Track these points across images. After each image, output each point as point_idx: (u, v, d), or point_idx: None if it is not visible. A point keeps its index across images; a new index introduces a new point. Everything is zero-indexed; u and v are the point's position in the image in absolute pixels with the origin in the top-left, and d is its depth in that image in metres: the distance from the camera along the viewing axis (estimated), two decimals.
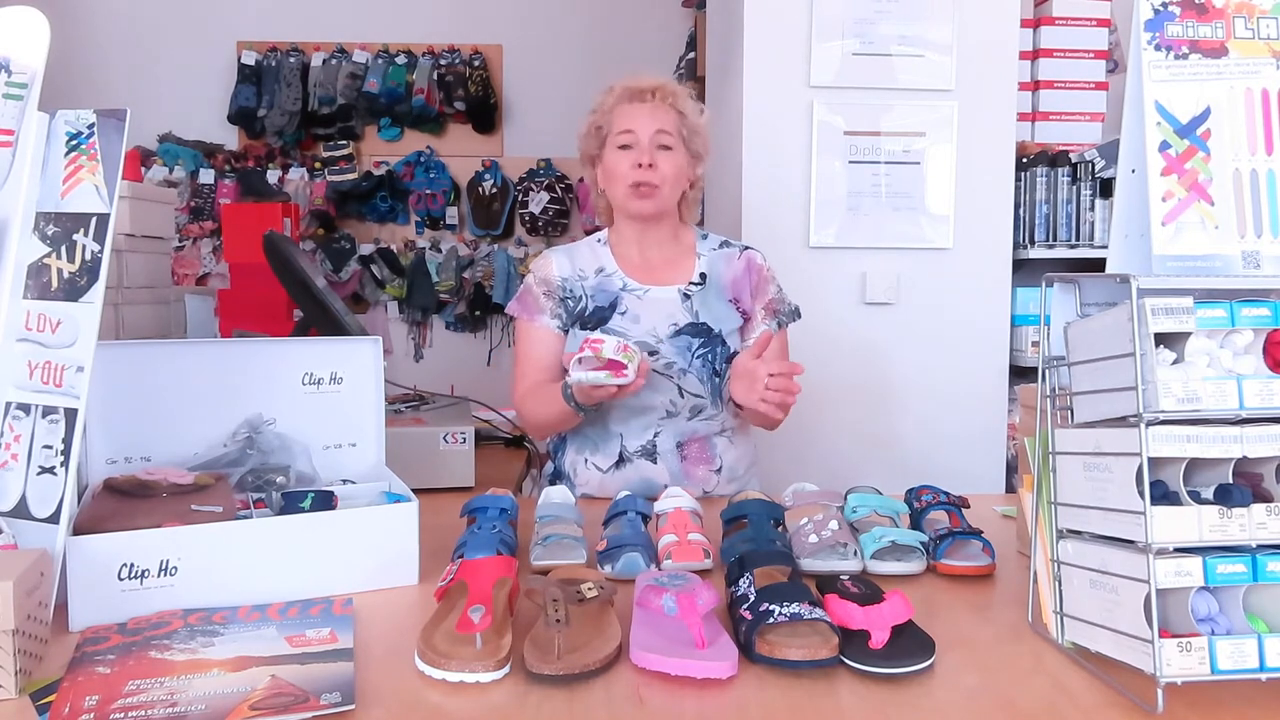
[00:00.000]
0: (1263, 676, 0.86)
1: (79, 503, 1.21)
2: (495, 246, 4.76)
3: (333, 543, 1.19)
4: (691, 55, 4.01)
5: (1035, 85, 3.02)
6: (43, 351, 1.12)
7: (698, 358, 1.76)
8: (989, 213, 2.71)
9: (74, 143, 1.15)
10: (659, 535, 1.35)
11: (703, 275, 1.83)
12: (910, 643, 0.98)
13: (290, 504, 1.24)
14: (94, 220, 1.13)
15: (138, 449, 1.34)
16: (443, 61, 4.64)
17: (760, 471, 1.93)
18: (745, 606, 1.04)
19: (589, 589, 1.05)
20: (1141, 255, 0.96)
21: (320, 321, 2.04)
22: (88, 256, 1.12)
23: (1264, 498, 0.93)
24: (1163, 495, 0.92)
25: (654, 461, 1.77)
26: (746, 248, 1.89)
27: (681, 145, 1.78)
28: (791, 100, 2.64)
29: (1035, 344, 2.44)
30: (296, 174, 4.58)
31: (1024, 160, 2.77)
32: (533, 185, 4.70)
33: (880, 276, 2.68)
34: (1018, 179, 2.74)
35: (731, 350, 1.78)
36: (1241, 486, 0.92)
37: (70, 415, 1.09)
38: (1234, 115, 0.96)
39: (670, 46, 4.48)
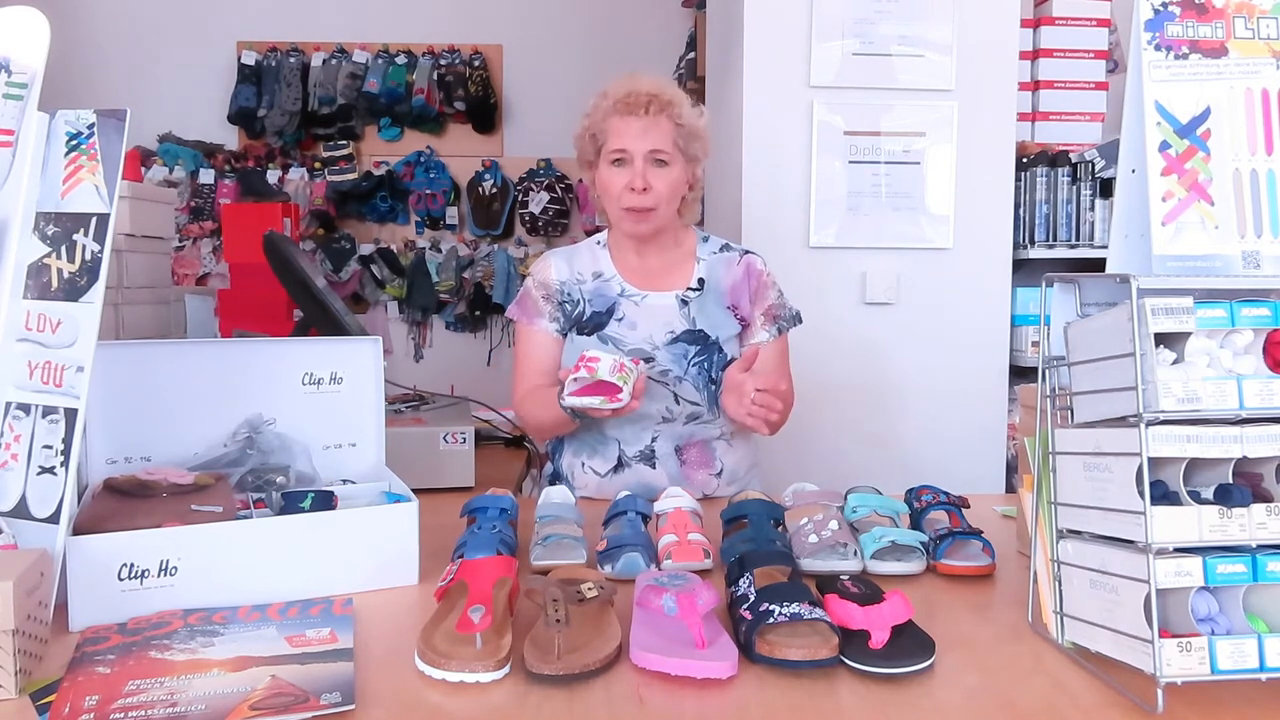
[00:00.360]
0: (1263, 676, 0.86)
1: (79, 503, 1.21)
2: (495, 246, 4.76)
3: (333, 543, 1.19)
4: (691, 55, 4.01)
5: (1035, 85, 3.02)
6: (43, 351, 1.12)
7: (694, 365, 1.75)
8: (989, 213, 2.71)
9: (74, 143, 1.15)
10: (659, 535, 1.35)
11: (701, 281, 1.81)
12: (910, 643, 0.98)
13: (290, 504, 1.24)
14: (94, 220, 1.13)
15: (138, 449, 1.34)
16: (443, 61, 4.64)
17: (761, 472, 1.92)
18: (745, 606, 1.04)
19: (589, 589, 1.05)
20: (1141, 255, 0.96)
21: (320, 321, 2.04)
22: (88, 256, 1.12)
23: (1264, 498, 0.93)
24: (1163, 495, 0.92)
25: (653, 466, 1.76)
26: (747, 252, 1.86)
27: (679, 155, 1.73)
28: (791, 100, 2.63)
29: (1035, 344, 2.44)
30: (296, 174, 4.58)
31: (1024, 160, 2.77)
32: (533, 185, 4.70)
33: (880, 276, 2.68)
34: (1018, 179, 2.74)
35: (729, 357, 1.77)
36: (1241, 486, 0.92)
37: (70, 415, 1.09)
38: (1234, 115, 0.96)
39: (670, 46, 4.48)
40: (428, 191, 4.67)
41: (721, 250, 1.86)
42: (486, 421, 2.33)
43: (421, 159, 4.70)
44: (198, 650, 1.00)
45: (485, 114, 4.67)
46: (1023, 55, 2.93)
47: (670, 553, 1.28)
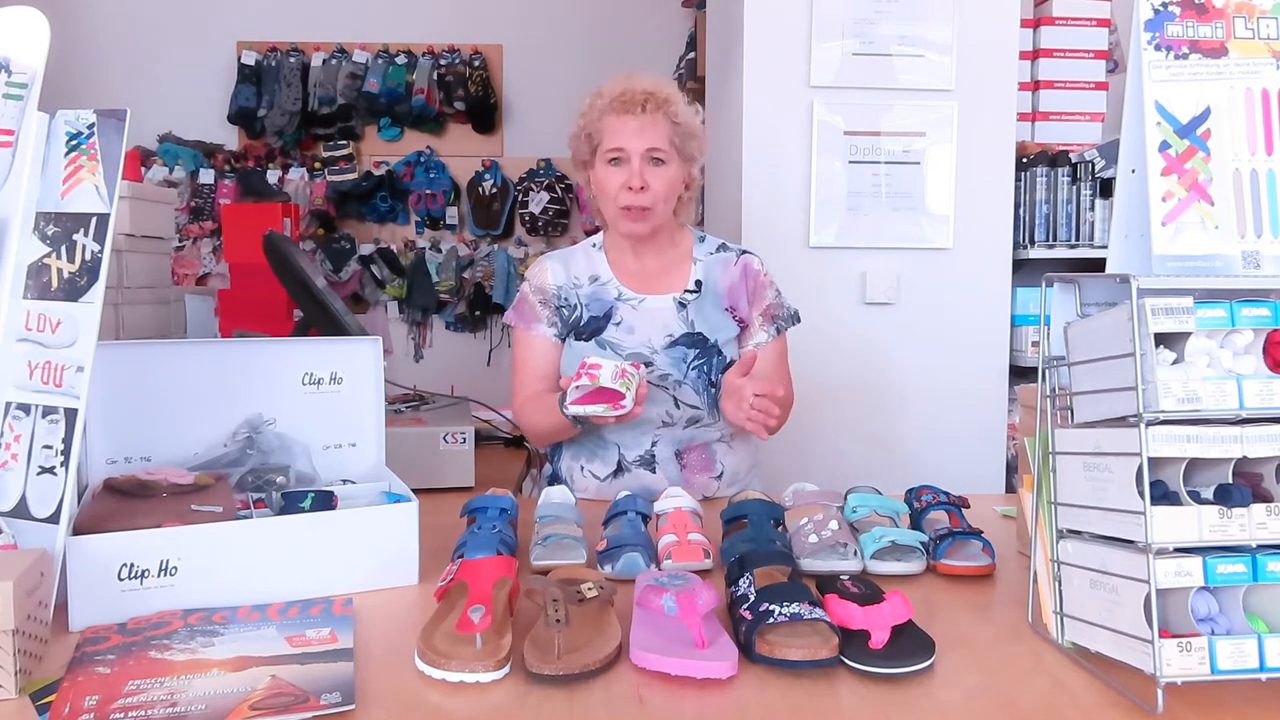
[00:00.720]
0: (1263, 676, 0.86)
1: (79, 503, 1.21)
2: (495, 246, 4.76)
3: (333, 543, 1.19)
4: (691, 55, 4.01)
5: (1035, 85, 3.02)
6: (43, 351, 1.12)
7: (693, 369, 1.74)
8: (989, 213, 2.71)
9: (74, 143, 1.15)
10: (659, 535, 1.35)
11: (698, 283, 1.80)
12: (910, 643, 0.98)
13: (290, 504, 1.24)
14: (94, 220, 1.13)
15: (138, 449, 1.34)
16: (443, 61, 4.64)
17: (761, 472, 1.92)
18: (745, 606, 1.04)
19: (589, 589, 1.05)
20: (1141, 255, 0.96)
21: (320, 321, 2.04)
22: (88, 256, 1.12)
23: (1264, 498, 0.93)
24: (1163, 495, 0.92)
25: (653, 470, 1.76)
26: (744, 252, 1.85)
27: (675, 154, 1.72)
28: (791, 100, 2.63)
29: (1035, 344, 2.44)
30: (296, 174, 4.58)
31: (1024, 160, 2.77)
32: (533, 185, 4.70)
33: (880, 276, 2.68)
34: (1018, 179, 2.74)
35: (728, 360, 1.75)
36: (1241, 486, 0.92)
37: (70, 415, 1.09)
38: (1234, 115, 0.96)
39: (670, 46, 4.48)
40: (428, 191, 4.67)
41: (718, 250, 1.85)
42: (486, 421, 2.33)
43: (421, 159, 4.70)
44: (198, 650, 1.00)
45: (485, 114, 4.67)
46: (1023, 55, 2.93)
47: (670, 553, 1.28)
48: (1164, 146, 0.95)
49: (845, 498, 1.44)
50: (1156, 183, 0.95)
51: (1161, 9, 0.97)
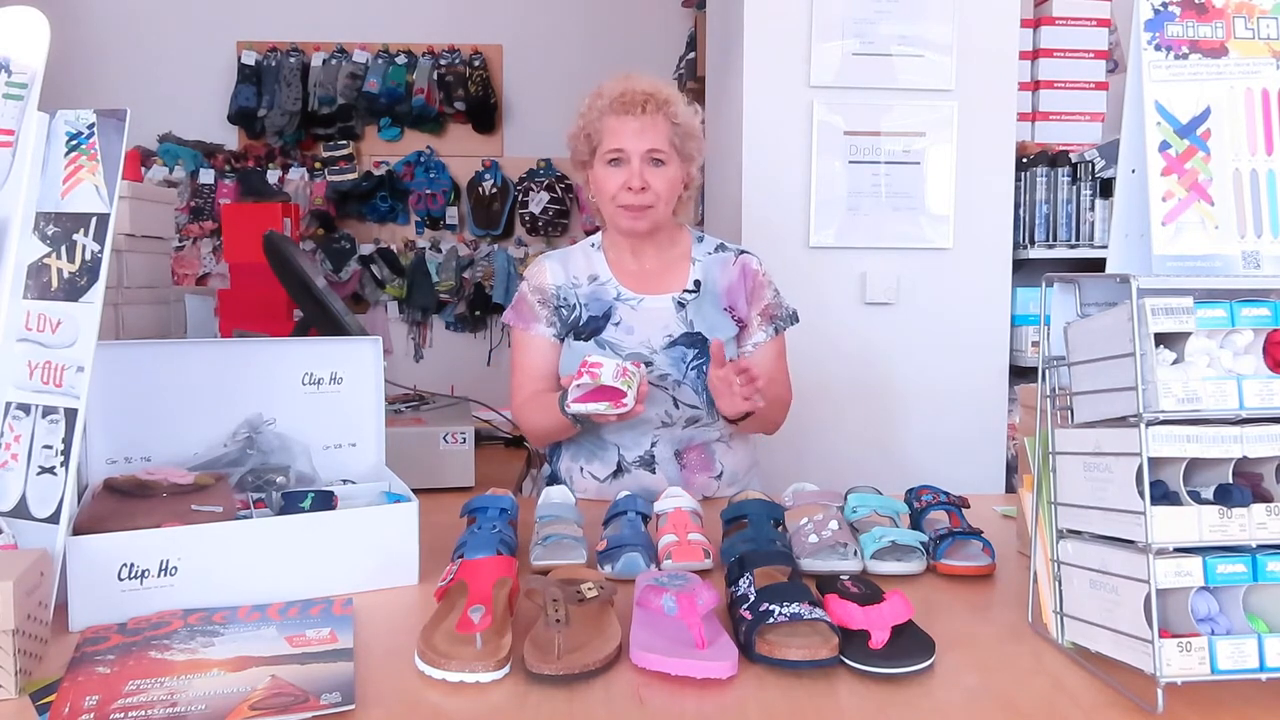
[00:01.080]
0: (1263, 676, 0.86)
1: (79, 503, 1.21)
2: (495, 246, 4.77)
3: (333, 543, 1.19)
4: (691, 55, 4.01)
5: (1035, 85, 3.02)
6: (43, 351, 1.12)
7: (692, 368, 1.74)
8: (989, 213, 2.71)
9: (74, 143, 1.15)
10: (659, 535, 1.35)
11: (697, 282, 1.80)
12: (910, 643, 0.98)
13: (290, 504, 1.24)
14: (94, 220, 1.13)
15: (138, 449, 1.34)
16: (443, 61, 4.64)
17: (761, 472, 1.92)
18: (745, 606, 1.04)
19: (589, 589, 1.05)
20: (1141, 255, 0.96)
21: (320, 321, 2.04)
22: (88, 256, 1.12)
23: (1264, 498, 0.93)
24: (1163, 495, 0.92)
25: (652, 471, 1.75)
26: (742, 252, 1.85)
27: (675, 154, 1.72)
28: (791, 100, 2.63)
29: (1035, 344, 2.44)
30: (296, 174, 4.58)
31: (1024, 160, 2.77)
32: (533, 185, 4.70)
33: (880, 276, 2.68)
34: (1018, 179, 2.74)
35: (727, 359, 1.74)
36: (1241, 486, 0.92)
37: (70, 415, 1.09)
38: (1234, 115, 0.96)
39: (670, 46, 4.48)
40: (428, 191, 4.67)
41: (717, 250, 1.85)
42: (486, 421, 2.33)
43: (421, 159, 4.70)
44: (198, 650, 1.00)
45: (485, 114, 4.67)
46: (1023, 55, 2.93)
47: (670, 553, 1.28)
48: (1164, 146, 0.95)
49: (845, 498, 1.44)
50: (1156, 183, 0.95)
51: (1161, 9, 0.97)
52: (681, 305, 1.78)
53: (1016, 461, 1.92)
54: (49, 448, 1.09)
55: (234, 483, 1.31)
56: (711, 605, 1.02)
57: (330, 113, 4.56)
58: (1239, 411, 0.89)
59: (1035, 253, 2.74)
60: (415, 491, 1.31)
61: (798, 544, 1.29)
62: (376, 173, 4.68)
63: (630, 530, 1.33)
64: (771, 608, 1.00)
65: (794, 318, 1.87)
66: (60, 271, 1.13)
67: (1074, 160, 2.77)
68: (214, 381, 1.38)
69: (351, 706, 0.89)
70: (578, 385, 1.52)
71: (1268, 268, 0.95)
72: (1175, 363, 0.92)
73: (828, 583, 1.11)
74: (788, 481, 1.55)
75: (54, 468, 1.08)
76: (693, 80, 3.80)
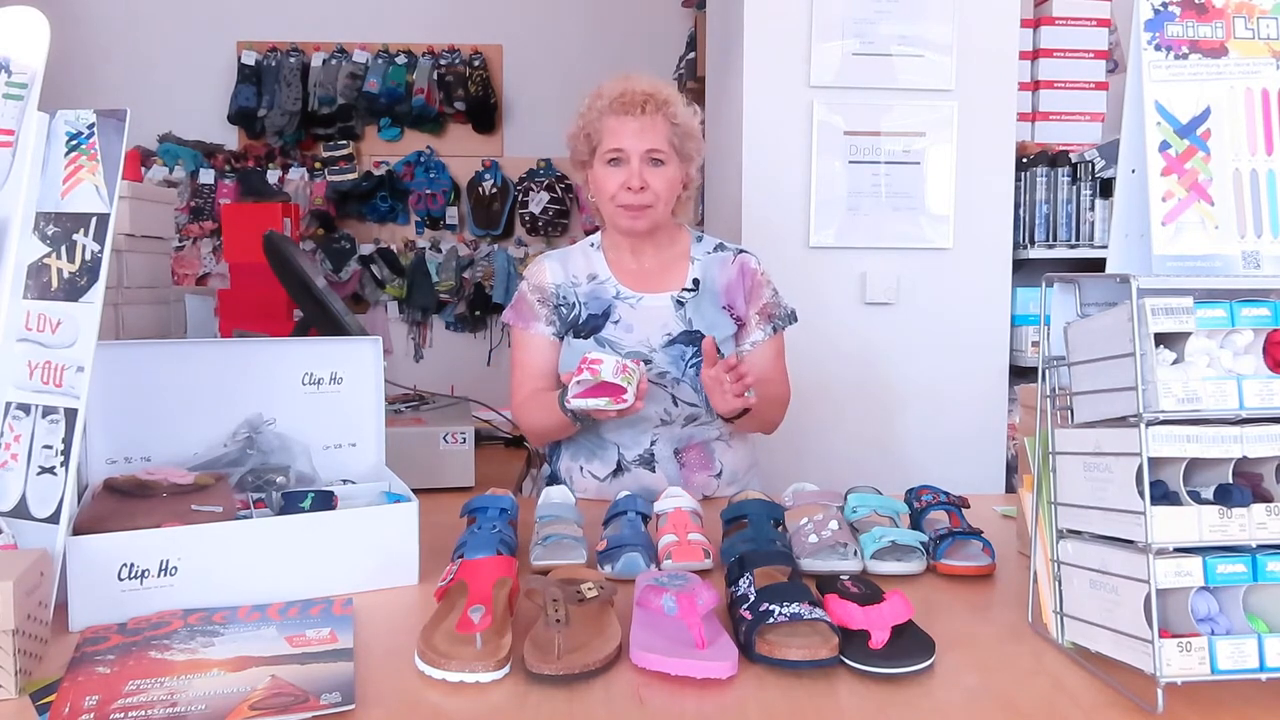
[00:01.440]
0: (1263, 676, 0.86)
1: (79, 503, 1.21)
2: (495, 246, 4.77)
3: (333, 543, 1.19)
4: (691, 55, 4.01)
5: (1035, 85, 3.02)
6: (43, 351, 1.12)
7: (691, 367, 1.74)
8: (989, 213, 2.71)
9: (74, 143, 1.15)
10: (659, 535, 1.35)
11: (696, 281, 1.80)
12: (910, 643, 0.98)
13: (290, 504, 1.24)
14: (94, 220, 1.13)
15: (138, 449, 1.34)
16: (443, 61, 4.64)
17: (760, 472, 1.92)
18: (745, 606, 1.04)
19: (589, 589, 1.05)
20: (1141, 255, 0.96)
21: (320, 321, 2.04)
22: (88, 256, 1.12)
23: (1264, 498, 0.93)
24: (1163, 495, 0.92)
25: (652, 469, 1.76)
26: (741, 251, 1.86)
27: (674, 155, 1.72)
28: (791, 100, 2.63)
29: (1035, 344, 2.44)
30: (296, 174, 4.58)
31: (1024, 160, 2.77)
32: (533, 185, 4.70)
33: (880, 277, 2.68)
34: (1018, 179, 2.74)
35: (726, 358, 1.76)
36: (1241, 486, 0.92)
37: (70, 415, 1.09)
38: (1234, 115, 0.96)
39: (670, 46, 4.48)
40: (428, 191, 4.67)
41: (716, 250, 1.85)
42: (486, 421, 2.33)
43: (421, 159, 4.70)
44: (198, 650, 1.00)
45: (485, 114, 4.67)
46: (1023, 55, 2.93)
47: (670, 553, 1.28)
48: (1164, 146, 0.95)
49: (845, 498, 1.44)
50: (1156, 183, 0.95)
51: (1161, 9, 0.97)
52: (680, 304, 1.78)
53: (1016, 461, 1.92)
54: (49, 448, 1.09)
55: (234, 483, 1.31)
56: (711, 605, 1.02)
57: (330, 113, 4.56)
58: (1239, 411, 0.89)
59: (1035, 253, 2.74)
60: (415, 491, 1.31)
61: (798, 544, 1.29)
62: (376, 173, 4.68)
63: (630, 530, 1.33)
64: (771, 608, 1.00)
65: (792, 317, 1.87)
66: (60, 271, 1.13)
67: (1074, 160, 2.77)
68: (214, 381, 1.38)
69: (351, 706, 0.89)
70: (578, 381, 1.52)
71: (1268, 268, 0.95)
72: (1175, 363, 0.92)
73: (828, 583, 1.11)
74: (788, 481, 1.55)
75: (54, 468, 1.08)
76: (693, 80, 3.80)
